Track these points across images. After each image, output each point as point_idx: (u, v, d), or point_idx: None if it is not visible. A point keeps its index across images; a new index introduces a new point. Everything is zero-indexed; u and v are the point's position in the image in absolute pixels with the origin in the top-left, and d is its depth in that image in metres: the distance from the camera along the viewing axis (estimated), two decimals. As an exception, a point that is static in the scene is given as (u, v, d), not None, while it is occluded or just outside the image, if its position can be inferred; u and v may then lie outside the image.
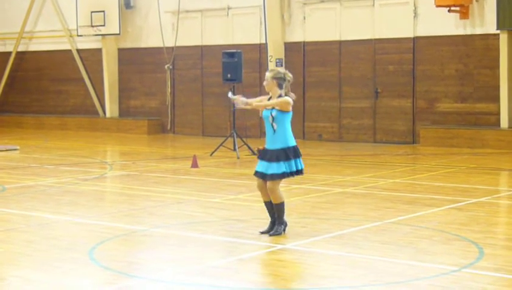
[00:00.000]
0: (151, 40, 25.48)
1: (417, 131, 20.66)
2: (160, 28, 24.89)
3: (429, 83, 20.66)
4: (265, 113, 9.30)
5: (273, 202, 9.12)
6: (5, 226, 10.05)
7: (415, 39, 20.76)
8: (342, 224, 9.89)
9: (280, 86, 9.35)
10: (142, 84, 26.07)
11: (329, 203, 11.50)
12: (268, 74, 9.39)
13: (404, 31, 20.84)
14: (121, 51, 26.47)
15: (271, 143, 9.35)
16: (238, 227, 9.81)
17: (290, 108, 9.31)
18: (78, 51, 27.30)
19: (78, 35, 26.58)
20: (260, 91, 23.06)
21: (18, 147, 20.44)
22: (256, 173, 9.25)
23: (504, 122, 19.35)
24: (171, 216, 10.73)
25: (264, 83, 9.42)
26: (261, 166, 9.21)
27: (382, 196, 12.15)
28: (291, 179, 9.61)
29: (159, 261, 8.08)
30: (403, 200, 11.76)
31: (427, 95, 20.71)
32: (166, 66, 25.03)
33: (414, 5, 20.64)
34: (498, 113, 19.51)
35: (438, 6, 19.65)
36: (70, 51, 27.31)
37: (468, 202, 11.49)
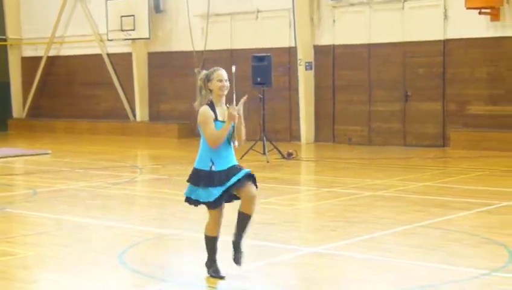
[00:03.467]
0: (180, 44, 25.57)
1: (447, 134, 20.52)
2: (189, 31, 24.98)
3: (460, 86, 20.52)
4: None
5: (252, 213, 7.52)
6: (36, 230, 10.15)
7: (445, 42, 20.63)
8: (371, 227, 9.85)
9: None
10: (172, 88, 26.17)
11: (359, 207, 11.47)
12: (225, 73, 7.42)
13: (434, 33, 20.71)
14: (150, 55, 26.61)
15: (231, 160, 7.43)
16: (267, 230, 9.81)
17: None
18: (109, 55, 27.49)
19: (108, 40, 26.76)
20: (290, 95, 23.09)
21: (49, 151, 20.62)
22: (222, 199, 7.37)
23: (536, 125, 19.18)
24: (201, 220, 10.71)
25: (226, 84, 7.35)
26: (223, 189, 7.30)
27: (412, 199, 12.09)
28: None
29: (189, 265, 8.11)
30: (433, 203, 11.70)
31: (457, 98, 20.57)
32: (196, 70, 25.09)
33: (444, 7, 20.51)
34: (530, 116, 19.34)
35: (468, 8, 19.52)
36: (100, 55, 27.51)
37: (499, 205, 11.40)
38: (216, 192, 7.26)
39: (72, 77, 28.79)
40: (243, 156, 18.10)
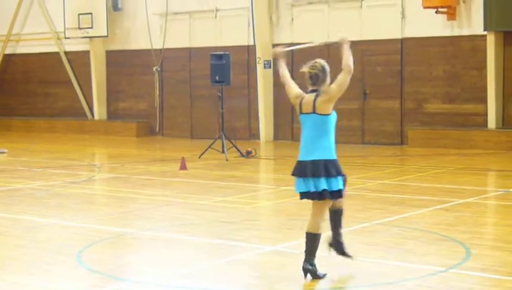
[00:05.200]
0: (139, 42, 25.44)
1: (405, 132, 20.70)
2: (148, 30, 24.86)
3: (417, 84, 20.71)
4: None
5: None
6: (-8, 230, 10.02)
7: (403, 40, 20.81)
8: (329, 225, 9.87)
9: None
10: (130, 87, 26.03)
11: (317, 205, 11.48)
12: None
13: (392, 32, 20.88)
14: (109, 53, 26.42)
15: None
16: (226, 229, 9.81)
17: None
18: (66, 53, 27.24)
19: (65, 38, 26.52)
20: (249, 93, 23.10)
21: (6, 150, 20.37)
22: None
23: (491, 123, 19.42)
24: (159, 219, 10.72)
25: None
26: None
27: (370, 197, 12.17)
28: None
29: (147, 264, 8.07)
30: (391, 201, 11.79)
31: (415, 96, 20.76)
32: (154, 68, 25.00)
33: (402, 6, 20.67)
34: (485, 114, 19.57)
35: (425, 7, 19.72)
36: (58, 53, 27.25)
37: (455, 202, 11.53)
38: None
39: (29, 75, 28.49)
40: (201, 155, 18.09)
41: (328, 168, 7.14)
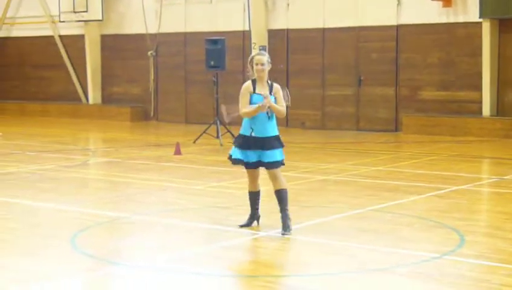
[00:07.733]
0: (134, 26, 25.37)
1: (400, 119, 20.72)
2: (143, 14, 24.78)
3: (412, 71, 20.71)
4: (260, 99, 8.76)
5: (282, 187, 8.86)
6: (-14, 213, 10.02)
7: (398, 27, 20.79)
8: (324, 211, 9.92)
9: None
10: (124, 71, 25.97)
11: (311, 191, 11.52)
12: (264, 57, 8.78)
13: (388, 18, 20.86)
14: (103, 37, 26.35)
15: (264, 131, 8.86)
16: (221, 214, 9.82)
17: None
18: (61, 37, 27.15)
19: (60, 21, 26.42)
20: (244, 79, 23.05)
21: (0, 134, 20.33)
22: (249, 164, 9.03)
23: (486, 110, 19.45)
24: (153, 203, 10.73)
25: (261, 68, 8.74)
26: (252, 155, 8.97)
27: (364, 184, 12.19)
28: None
29: (141, 248, 8.08)
30: (385, 187, 11.81)
31: (410, 83, 20.76)
32: (149, 53, 24.94)
33: (397, -7, 20.66)
34: (480, 102, 19.60)
35: (421, -6, 19.71)
36: (52, 37, 27.16)
37: (449, 189, 11.55)
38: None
39: (23, 58, 28.40)
40: (196, 140, 18.09)
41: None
